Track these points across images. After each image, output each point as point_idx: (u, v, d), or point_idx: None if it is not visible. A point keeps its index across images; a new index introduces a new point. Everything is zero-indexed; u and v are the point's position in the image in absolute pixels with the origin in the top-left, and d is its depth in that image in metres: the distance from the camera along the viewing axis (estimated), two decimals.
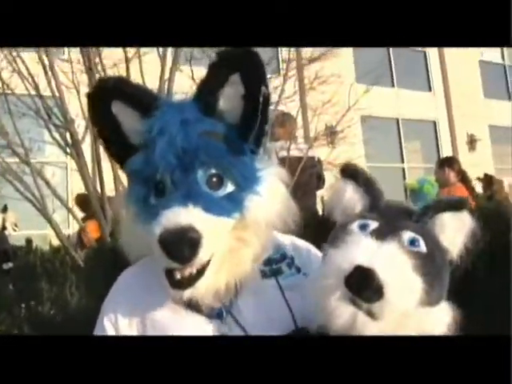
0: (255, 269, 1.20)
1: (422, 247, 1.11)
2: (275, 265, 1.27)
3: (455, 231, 1.13)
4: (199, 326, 1.18)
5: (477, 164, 10.01)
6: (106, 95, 1.19)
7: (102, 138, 1.25)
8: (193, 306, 1.17)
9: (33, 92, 4.33)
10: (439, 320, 1.11)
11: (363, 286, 1.00)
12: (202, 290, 1.11)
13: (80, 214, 5.27)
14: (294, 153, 4.18)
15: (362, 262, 1.01)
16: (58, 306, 3.96)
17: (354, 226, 1.14)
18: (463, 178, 4.77)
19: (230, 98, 1.14)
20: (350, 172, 1.22)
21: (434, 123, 12.05)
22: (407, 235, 1.11)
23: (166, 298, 1.18)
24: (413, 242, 1.10)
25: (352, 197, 1.20)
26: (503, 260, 2.19)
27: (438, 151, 11.01)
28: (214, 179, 1.13)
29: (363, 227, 1.13)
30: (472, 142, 12.14)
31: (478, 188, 5.73)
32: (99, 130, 1.24)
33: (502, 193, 5.82)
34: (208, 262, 1.11)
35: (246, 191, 1.15)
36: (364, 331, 1.02)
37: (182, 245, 1.05)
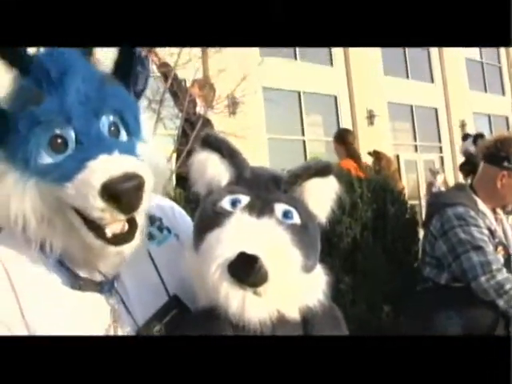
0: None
1: (296, 218, 1.12)
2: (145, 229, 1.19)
3: (322, 196, 1.16)
4: (94, 302, 1.08)
5: (375, 139, 10.35)
6: None
7: None
8: (83, 281, 1.07)
9: None
10: (315, 286, 1.13)
11: (249, 273, 0.99)
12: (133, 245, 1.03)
13: None
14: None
15: (244, 247, 0.99)
16: None
17: (225, 202, 1.11)
18: (351, 153, 5.03)
19: None
20: (212, 143, 1.15)
21: (335, 97, 12.31)
22: (280, 208, 1.12)
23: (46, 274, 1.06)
24: (286, 215, 1.11)
25: (216, 169, 1.14)
26: (385, 228, 2.32)
27: (338, 125, 11.26)
28: (113, 128, 1.05)
29: (234, 203, 1.10)
30: (371, 117, 12.53)
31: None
32: None
33: (391, 168, 6.08)
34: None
35: (137, 139, 1.09)
36: (254, 311, 1.02)
37: (131, 192, 0.94)
